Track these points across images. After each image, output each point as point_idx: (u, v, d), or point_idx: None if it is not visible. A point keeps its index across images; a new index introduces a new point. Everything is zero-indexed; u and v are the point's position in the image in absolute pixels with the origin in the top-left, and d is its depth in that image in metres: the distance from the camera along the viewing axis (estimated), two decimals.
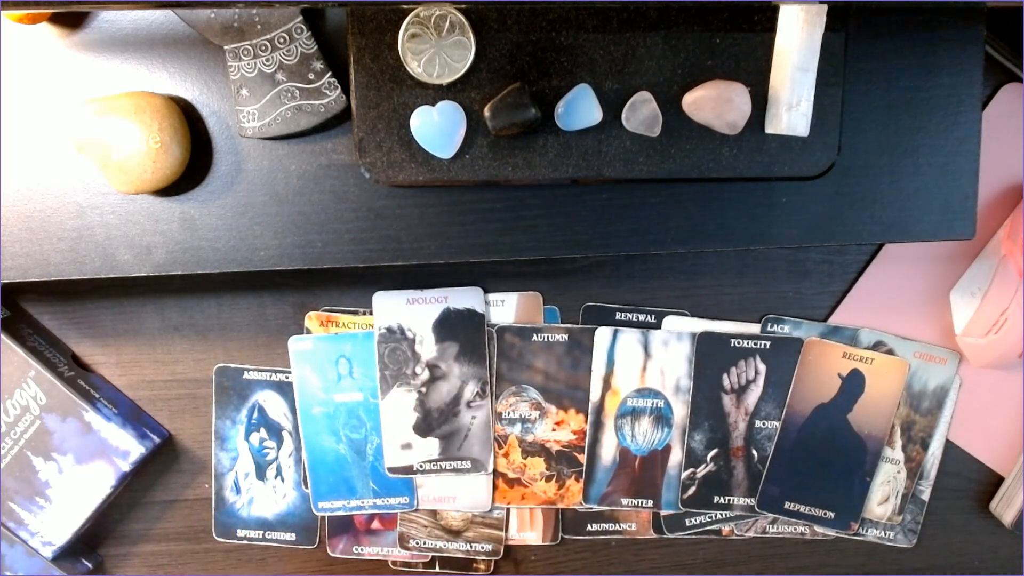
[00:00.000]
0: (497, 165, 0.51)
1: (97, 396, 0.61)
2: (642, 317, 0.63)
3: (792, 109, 0.50)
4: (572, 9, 0.49)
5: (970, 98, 0.53)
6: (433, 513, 0.64)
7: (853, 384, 0.63)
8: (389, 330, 0.62)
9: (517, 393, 0.63)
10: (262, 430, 0.64)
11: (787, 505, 0.64)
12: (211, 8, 0.46)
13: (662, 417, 0.63)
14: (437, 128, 0.49)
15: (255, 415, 0.63)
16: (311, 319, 0.63)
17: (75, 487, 0.60)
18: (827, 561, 0.66)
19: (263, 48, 0.50)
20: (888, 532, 0.65)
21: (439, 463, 0.63)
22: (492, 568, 0.65)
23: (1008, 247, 0.61)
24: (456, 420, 0.62)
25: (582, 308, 0.63)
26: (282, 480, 0.64)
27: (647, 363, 0.63)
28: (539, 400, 0.63)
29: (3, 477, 0.59)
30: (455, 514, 0.64)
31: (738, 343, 0.63)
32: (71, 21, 0.51)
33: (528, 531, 0.65)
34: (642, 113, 0.50)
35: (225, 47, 0.50)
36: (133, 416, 0.62)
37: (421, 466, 0.63)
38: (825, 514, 0.64)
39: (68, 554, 0.62)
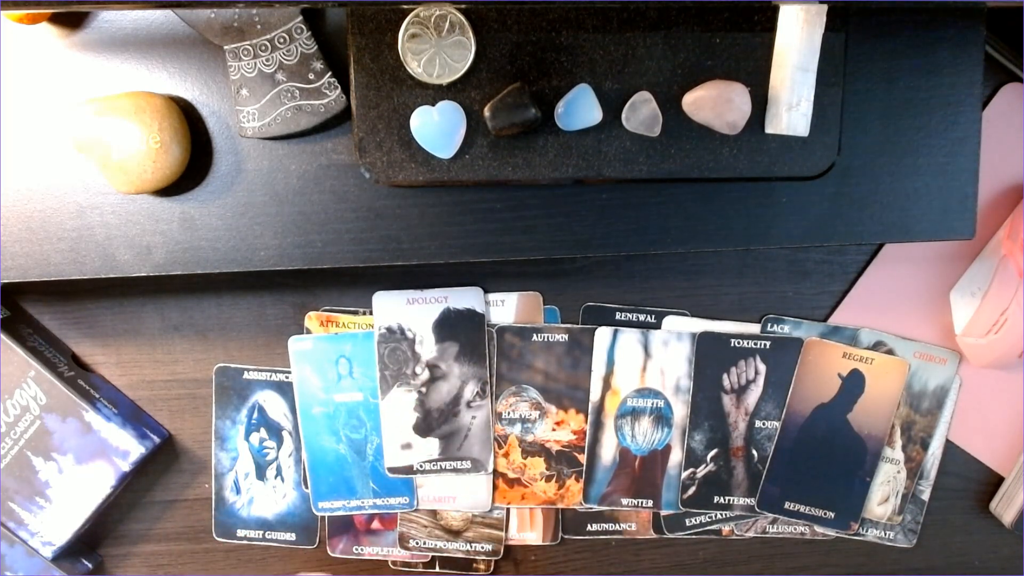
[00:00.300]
0: (497, 165, 0.51)
1: (97, 396, 0.61)
2: (642, 317, 0.63)
3: (792, 109, 0.50)
4: (572, 9, 0.49)
5: (970, 98, 0.53)
6: (433, 513, 0.64)
7: (853, 384, 0.63)
8: (389, 330, 0.62)
9: (517, 393, 0.63)
10: (262, 430, 0.64)
11: (787, 505, 0.64)
12: (211, 8, 0.46)
13: (662, 417, 0.63)
14: (437, 128, 0.49)
15: (255, 415, 0.63)
16: (311, 319, 0.63)
17: (75, 487, 0.60)
18: (827, 561, 0.66)
19: (263, 48, 0.50)
20: (888, 532, 0.65)
21: (439, 463, 0.63)
22: (492, 568, 0.65)
23: (1008, 247, 0.61)
24: (456, 420, 0.63)
25: (582, 308, 0.63)
26: (282, 480, 0.64)
27: (647, 363, 0.63)
28: (539, 400, 0.63)
29: (3, 477, 0.59)
30: (455, 514, 0.64)
31: (738, 343, 0.63)
32: (71, 21, 0.51)
33: (528, 531, 0.65)
34: (642, 113, 0.50)
35: (225, 47, 0.50)
36: (133, 416, 0.62)
37: (421, 466, 0.63)
38: (825, 514, 0.64)
39: (68, 554, 0.62)
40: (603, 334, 0.62)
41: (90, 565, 0.64)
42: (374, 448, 0.63)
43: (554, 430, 0.63)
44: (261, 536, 0.64)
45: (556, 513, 0.65)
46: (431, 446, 0.63)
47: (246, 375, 0.63)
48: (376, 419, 0.62)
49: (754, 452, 0.64)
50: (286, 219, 0.52)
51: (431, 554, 0.65)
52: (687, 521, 0.65)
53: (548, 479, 0.64)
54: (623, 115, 0.50)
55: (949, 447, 0.65)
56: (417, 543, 0.65)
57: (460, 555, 0.65)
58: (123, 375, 0.63)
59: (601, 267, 0.63)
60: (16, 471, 0.59)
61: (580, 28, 0.50)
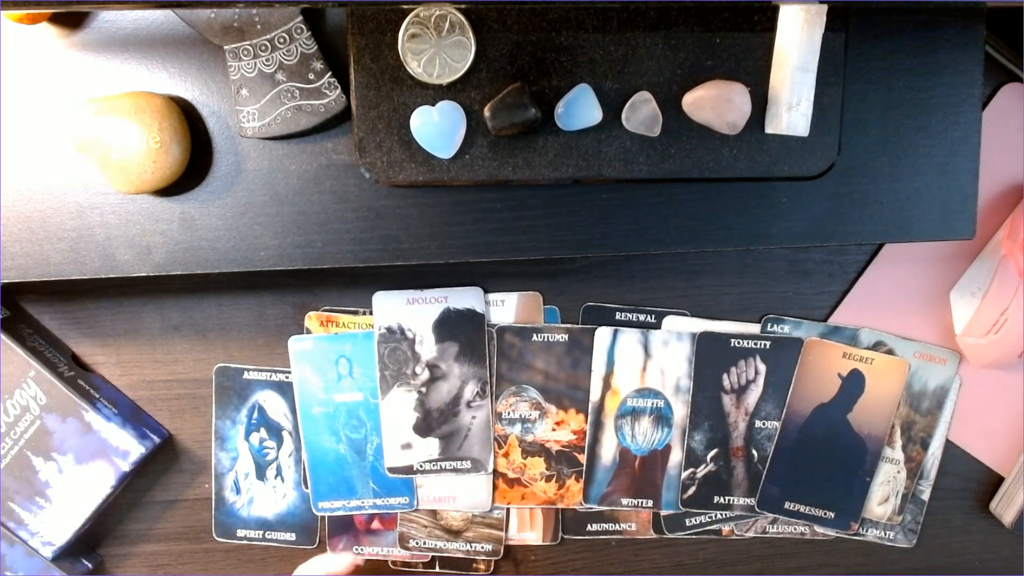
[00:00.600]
0: (497, 165, 0.51)
1: (97, 396, 0.61)
2: (642, 317, 0.63)
3: (792, 109, 0.50)
4: (572, 9, 0.49)
5: (970, 98, 0.53)
6: (433, 513, 0.64)
7: (853, 384, 0.63)
8: (389, 330, 0.62)
9: (517, 393, 0.63)
10: (262, 430, 0.64)
11: (787, 505, 0.64)
12: (211, 8, 0.46)
13: (662, 417, 0.63)
14: (437, 128, 0.49)
15: (255, 415, 0.63)
16: (311, 319, 0.63)
17: (75, 487, 0.60)
18: (827, 561, 0.66)
19: (263, 48, 0.50)
20: (888, 532, 0.65)
21: (439, 463, 0.63)
22: (492, 568, 0.65)
23: (1008, 247, 0.61)
24: (456, 420, 0.62)
25: (582, 308, 0.63)
26: (282, 480, 0.64)
27: (647, 363, 0.63)
28: (539, 400, 0.63)
29: (3, 477, 0.59)
30: (455, 514, 0.64)
31: (738, 343, 0.63)
32: (71, 21, 0.51)
33: (528, 531, 0.65)
34: (642, 113, 0.50)
35: (225, 47, 0.50)
36: (133, 416, 0.62)
37: (421, 466, 0.63)
38: (825, 514, 0.64)
39: (68, 554, 0.62)
40: (603, 334, 0.62)
41: (90, 565, 0.64)
42: (374, 448, 0.63)
43: (554, 430, 0.63)
44: (261, 536, 0.64)
45: (556, 513, 0.65)
46: (431, 446, 0.63)
47: (246, 375, 0.63)
48: (376, 419, 0.62)
49: (754, 452, 0.64)
50: (286, 219, 0.52)
51: (431, 554, 0.65)
52: (687, 521, 0.65)
53: (548, 479, 0.64)
54: (623, 115, 0.50)
55: (949, 447, 0.65)
56: (417, 543, 0.65)
57: (460, 555, 0.65)
58: (123, 375, 0.63)
59: (601, 267, 0.63)
60: (16, 471, 0.59)
61: (580, 28, 0.50)
